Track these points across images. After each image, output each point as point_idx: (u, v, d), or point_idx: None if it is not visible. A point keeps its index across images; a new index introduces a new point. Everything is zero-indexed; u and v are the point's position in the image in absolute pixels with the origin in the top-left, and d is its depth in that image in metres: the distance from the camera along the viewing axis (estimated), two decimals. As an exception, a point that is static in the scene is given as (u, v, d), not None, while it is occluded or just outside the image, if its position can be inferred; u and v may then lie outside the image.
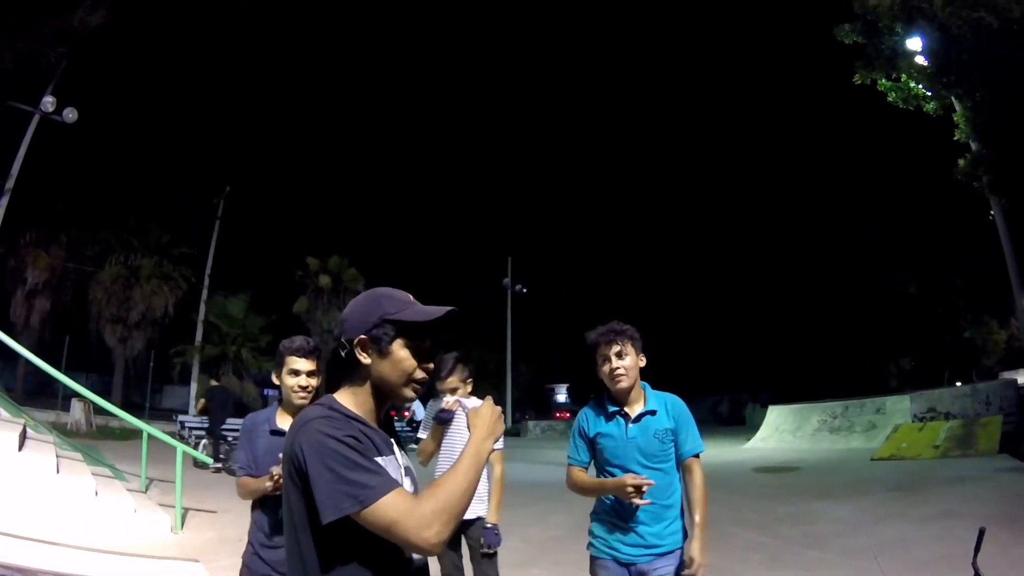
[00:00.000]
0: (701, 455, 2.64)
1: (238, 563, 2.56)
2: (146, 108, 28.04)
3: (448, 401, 3.34)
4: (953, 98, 14.08)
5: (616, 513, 2.57)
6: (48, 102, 16.16)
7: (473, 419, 1.40)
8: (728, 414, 34.62)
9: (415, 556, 1.31)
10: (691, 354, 36.95)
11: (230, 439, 11.64)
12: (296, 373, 2.54)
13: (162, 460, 8.62)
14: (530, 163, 56.28)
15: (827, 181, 33.04)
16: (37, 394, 19.32)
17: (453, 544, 3.35)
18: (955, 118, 14.03)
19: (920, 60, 14.08)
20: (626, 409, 2.62)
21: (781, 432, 17.72)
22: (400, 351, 1.33)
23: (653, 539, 2.50)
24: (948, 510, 6.90)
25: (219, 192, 25.28)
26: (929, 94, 14.76)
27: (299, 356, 2.55)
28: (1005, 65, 11.72)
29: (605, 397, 2.69)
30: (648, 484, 2.39)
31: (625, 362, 2.58)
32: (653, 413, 2.61)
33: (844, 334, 32.32)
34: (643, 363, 2.65)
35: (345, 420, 1.26)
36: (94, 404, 9.80)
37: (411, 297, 1.39)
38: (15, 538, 4.49)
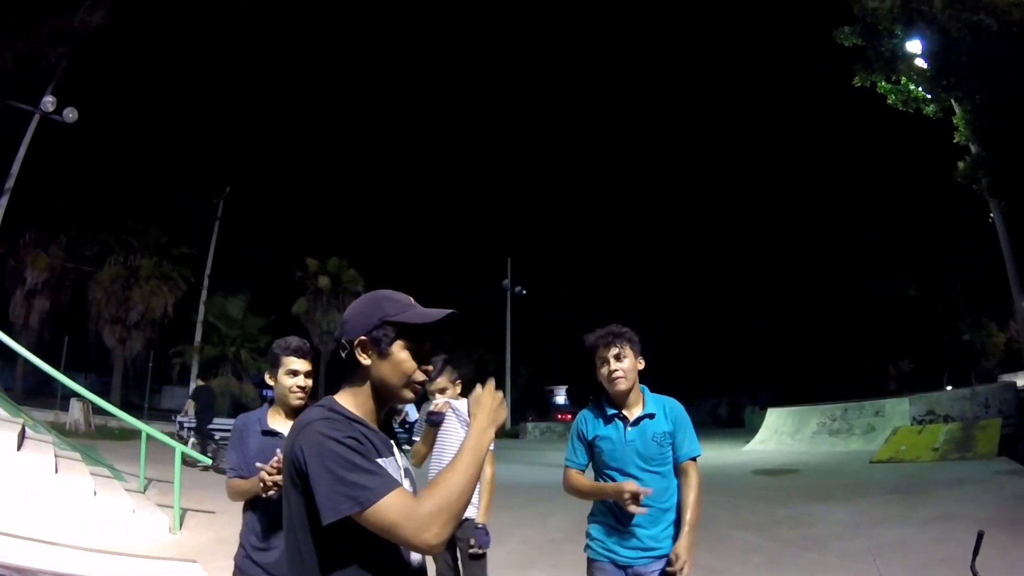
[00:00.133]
0: (698, 459, 2.65)
1: (237, 564, 2.54)
2: (146, 108, 28.07)
3: (437, 403, 3.34)
4: (953, 100, 14.09)
5: (614, 516, 2.57)
6: (48, 102, 16.17)
7: (473, 407, 1.37)
8: (727, 416, 34.60)
9: (413, 557, 1.32)
10: (690, 356, 36.96)
11: (217, 437, 11.70)
12: (294, 373, 2.53)
13: (161, 460, 8.62)
14: (529, 164, 56.31)
15: (827, 182, 33.09)
16: (36, 394, 19.31)
17: (447, 544, 3.35)
18: (955, 120, 14.04)
19: (920, 62, 14.09)
20: (625, 412, 2.62)
21: (780, 434, 17.71)
22: (400, 353, 1.34)
23: (651, 542, 2.50)
24: (947, 513, 6.90)
25: (219, 192, 25.31)
26: (929, 96, 14.77)
27: (297, 356, 2.54)
28: (1005, 67, 11.73)
29: (604, 400, 2.69)
30: (646, 493, 2.40)
31: (623, 364, 2.59)
32: (652, 416, 2.62)
33: (843, 336, 32.33)
34: (642, 366, 2.65)
35: (346, 422, 1.27)
36: (93, 404, 9.80)
37: (412, 300, 1.40)
38: (13, 538, 4.49)
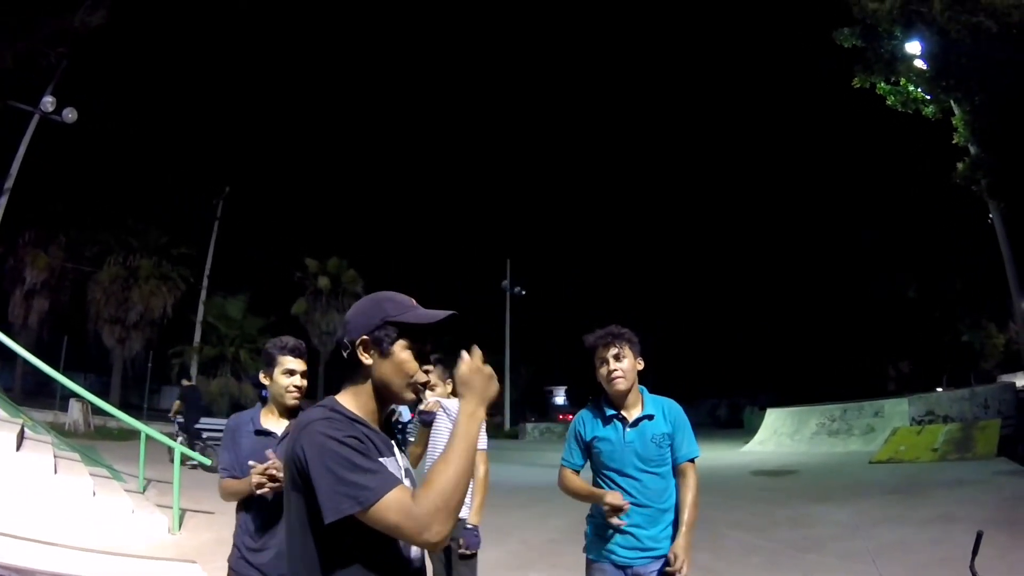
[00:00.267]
0: (697, 460, 2.66)
1: (236, 564, 2.54)
2: (146, 108, 28.05)
3: (428, 402, 3.34)
4: (952, 102, 14.10)
5: (613, 515, 2.58)
6: (48, 102, 16.16)
7: (459, 387, 1.32)
8: (726, 417, 34.63)
9: (414, 556, 1.33)
10: (690, 356, 36.95)
11: (205, 436, 11.79)
12: (291, 373, 2.53)
13: (160, 461, 8.63)
14: (529, 165, 56.39)
15: (827, 183, 33.08)
16: (35, 394, 19.31)
17: None
18: (954, 122, 14.05)
19: (919, 64, 14.09)
20: (624, 413, 2.63)
21: (779, 435, 17.72)
22: (402, 353, 1.34)
23: (649, 542, 2.50)
24: (946, 513, 6.90)
25: (218, 193, 25.31)
26: (928, 98, 14.77)
27: (293, 356, 2.54)
28: (1004, 69, 11.74)
29: (603, 400, 2.69)
30: (624, 508, 2.43)
31: (623, 364, 2.59)
32: (651, 418, 2.62)
33: (843, 337, 32.34)
34: (641, 366, 2.65)
35: (347, 422, 1.27)
36: (92, 404, 9.78)
37: (414, 301, 1.41)
38: (13, 538, 4.49)
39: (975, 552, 1.90)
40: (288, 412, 2.56)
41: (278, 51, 48.79)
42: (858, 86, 15.36)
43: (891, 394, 21.53)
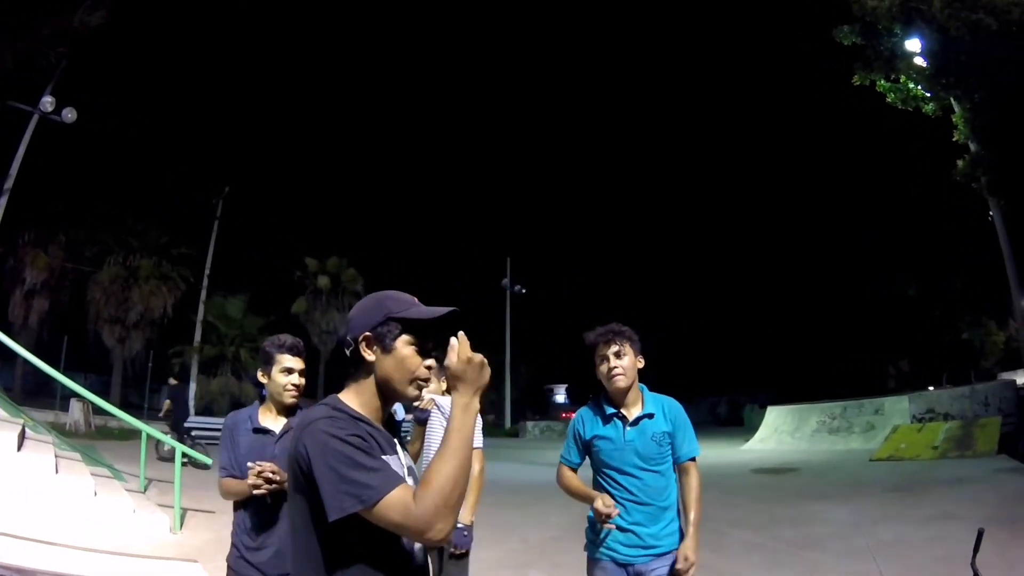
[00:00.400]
0: (697, 458, 2.66)
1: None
2: (145, 108, 28.01)
3: (423, 400, 3.33)
4: (952, 99, 14.10)
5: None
6: (47, 102, 16.17)
7: (451, 380, 1.30)
8: (726, 415, 34.64)
9: (417, 553, 1.33)
10: (690, 355, 36.95)
11: (193, 434, 11.93)
12: (289, 371, 2.53)
13: (151, 458, 8.64)
14: (529, 164, 56.25)
15: (827, 181, 33.05)
16: (36, 394, 19.31)
17: None
18: (954, 119, 14.05)
19: (919, 61, 14.09)
20: (623, 412, 2.62)
21: (780, 433, 17.73)
22: (404, 349, 1.35)
23: (650, 540, 2.51)
24: (947, 511, 6.91)
25: (218, 192, 25.26)
26: (928, 95, 14.78)
27: (291, 355, 2.55)
28: (1004, 67, 11.74)
29: (602, 399, 2.69)
30: (614, 515, 2.43)
31: (623, 362, 2.59)
32: (651, 416, 2.62)
33: (843, 335, 32.34)
34: (641, 364, 2.65)
35: (350, 420, 1.27)
36: (93, 404, 9.80)
37: (416, 299, 1.42)
38: (14, 538, 4.49)
39: (976, 550, 1.90)
40: (286, 410, 2.56)
41: (278, 51, 48.75)
42: (858, 84, 15.36)
43: (891, 392, 21.55)
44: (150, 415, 19.00)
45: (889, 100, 15.33)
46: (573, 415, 2.84)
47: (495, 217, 46.66)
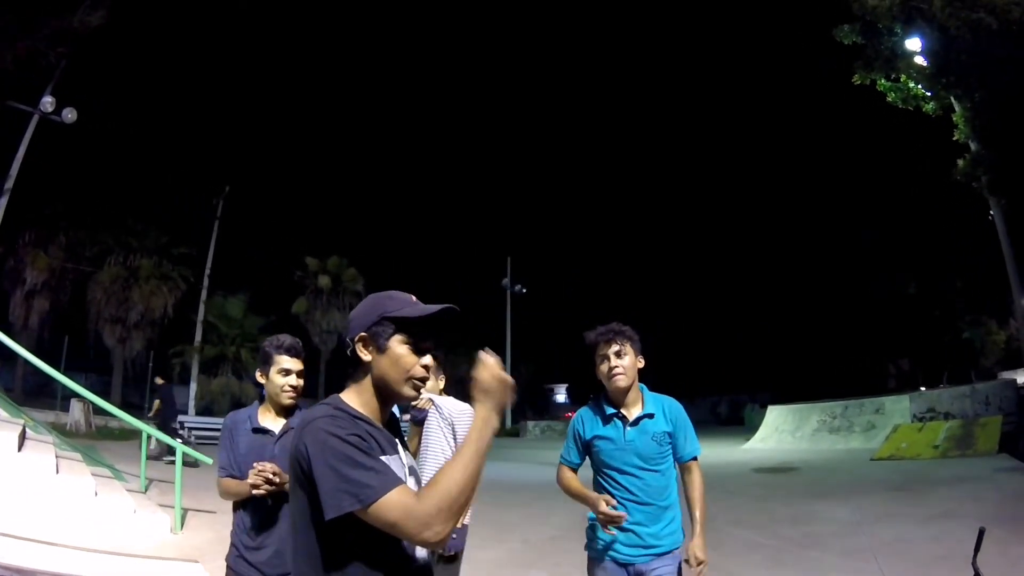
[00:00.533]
0: (699, 457, 2.66)
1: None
2: (145, 108, 28.01)
3: (421, 400, 3.27)
4: (952, 98, 14.11)
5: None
6: (47, 102, 16.17)
7: (478, 392, 1.32)
8: (727, 414, 34.68)
9: (418, 553, 1.33)
10: (690, 354, 36.99)
11: (183, 433, 11.93)
12: (287, 372, 2.53)
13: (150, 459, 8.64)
14: (529, 163, 56.32)
15: (827, 181, 33.10)
16: (36, 394, 19.33)
17: None
18: (954, 118, 14.06)
19: (919, 61, 14.10)
20: (624, 411, 2.62)
21: (780, 432, 17.73)
22: (399, 347, 1.35)
23: (651, 539, 2.50)
24: (948, 510, 6.91)
25: (218, 192, 25.23)
26: (928, 94, 14.79)
27: (290, 355, 2.54)
28: (1004, 66, 11.74)
29: (602, 399, 2.69)
30: (620, 520, 2.42)
31: (623, 361, 2.59)
32: (651, 416, 2.62)
33: (843, 334, 32.36)
34: (641, 364, 2.65)
35: (350, 419, 1.27)
36: (93, 404, 9.80)
37: (414, 298, 1.41)
38: (14, 538, 4.49)
39: (977, 548, 1.90)
40: (284, 411, 2.56)
41: (277, 51, 48.71)
42: (858, 83, 15.37)
43: (892, 391, 21.55)
44: (150, 415, 19.04)
45: (889, 99, 15.34)
46: (573, 415, 2.83)
47: (495, 217, 46.77)
